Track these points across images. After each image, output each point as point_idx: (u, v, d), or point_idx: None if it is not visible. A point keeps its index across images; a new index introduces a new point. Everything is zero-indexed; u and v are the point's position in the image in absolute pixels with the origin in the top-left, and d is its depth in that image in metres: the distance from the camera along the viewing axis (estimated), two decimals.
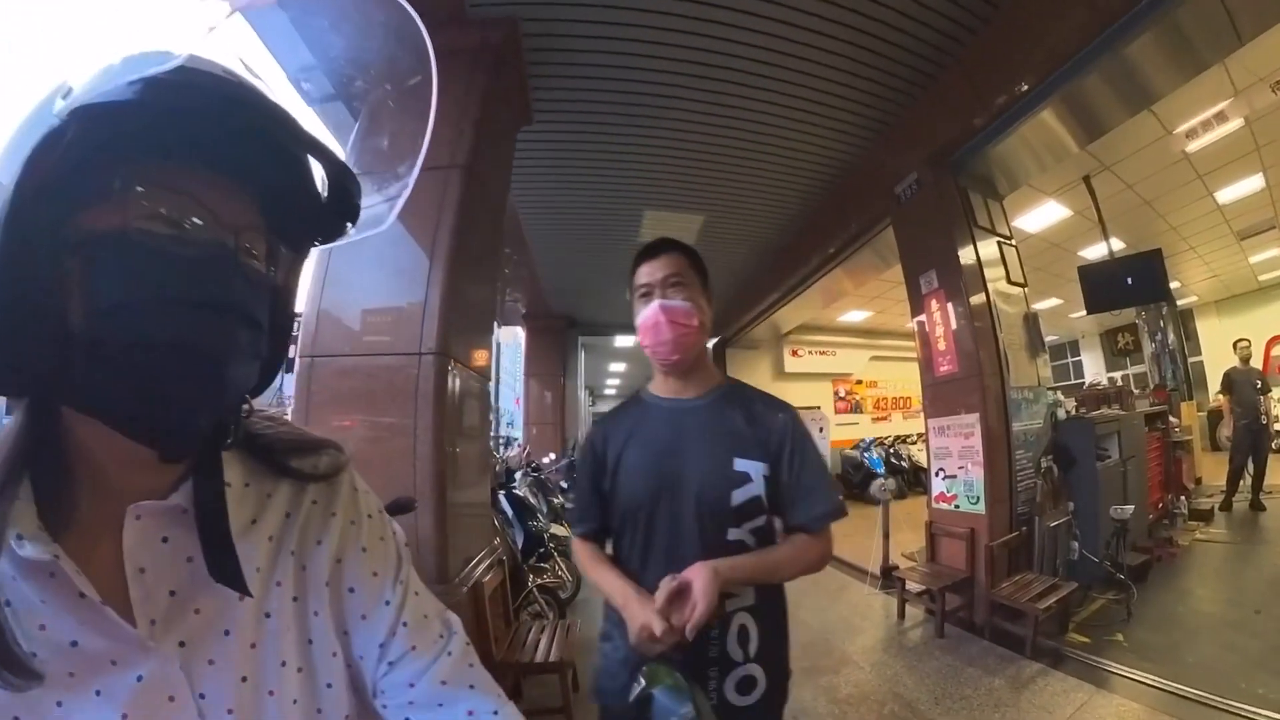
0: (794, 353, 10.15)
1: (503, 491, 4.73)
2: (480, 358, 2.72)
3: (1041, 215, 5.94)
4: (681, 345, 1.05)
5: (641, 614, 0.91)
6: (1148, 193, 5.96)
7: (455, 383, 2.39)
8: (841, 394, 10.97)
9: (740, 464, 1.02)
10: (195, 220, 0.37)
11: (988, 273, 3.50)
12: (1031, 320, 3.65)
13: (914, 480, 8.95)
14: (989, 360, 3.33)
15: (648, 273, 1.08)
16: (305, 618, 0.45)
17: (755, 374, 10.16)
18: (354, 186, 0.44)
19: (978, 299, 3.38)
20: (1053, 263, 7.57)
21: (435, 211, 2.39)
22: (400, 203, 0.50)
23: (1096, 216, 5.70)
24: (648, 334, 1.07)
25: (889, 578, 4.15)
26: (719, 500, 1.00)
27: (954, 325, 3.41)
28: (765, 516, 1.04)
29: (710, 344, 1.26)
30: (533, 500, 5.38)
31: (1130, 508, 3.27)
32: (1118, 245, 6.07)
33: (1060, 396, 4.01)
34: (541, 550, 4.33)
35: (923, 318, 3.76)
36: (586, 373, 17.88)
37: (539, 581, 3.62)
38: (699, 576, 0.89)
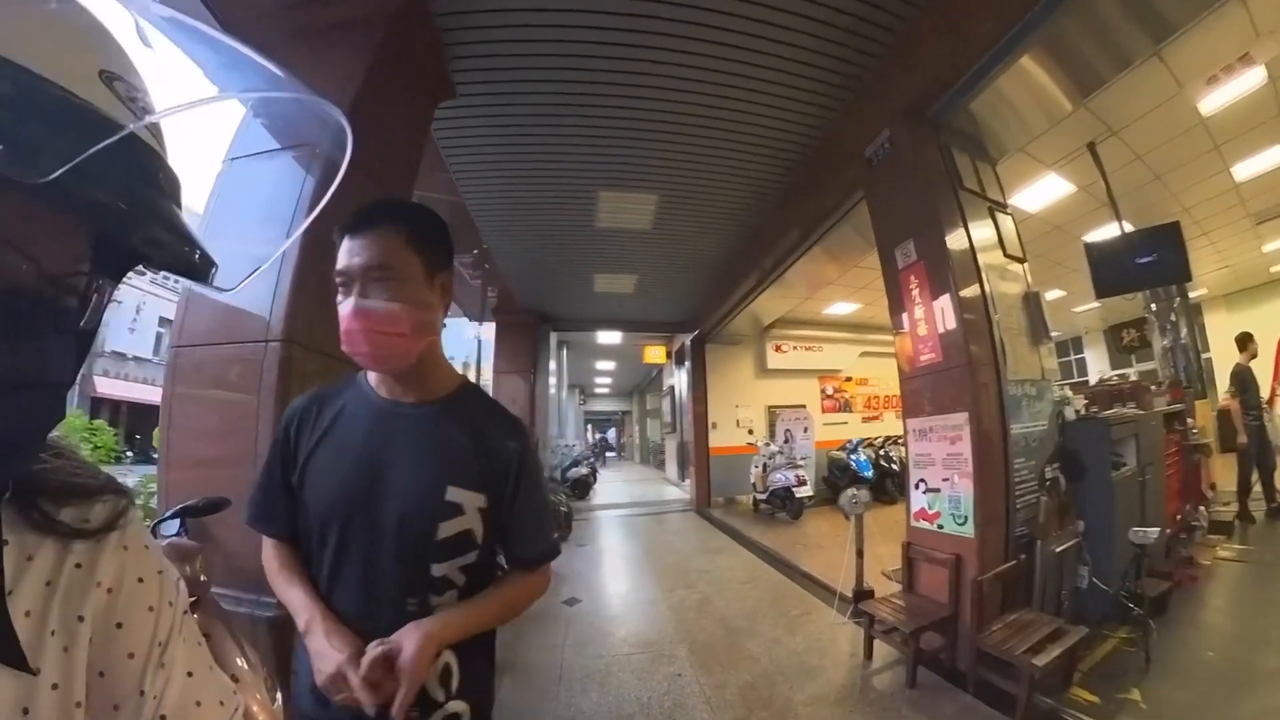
0: (777, 348, 9.55)
1: None
2: None
3: (1041, 191, 5.35)
4: (387, 356, 0.89)
5: (331, 658, 0.79)
6: (1159, 165, 5.42)
7: (312, 374, 2.16)
8: (829, 392, 10.37)
9: (453, 494, 0.89)
10: (22, 269, 0.32)
11: (979, 244, 2.89)
12: (1033, 300, 3.03)
13: (905, 484, 8.37)
14: (981, 348, 2.71)
15: (346, 255, 0.89)
16: (68, 710, 0.38)
17: (736, 371, 9.59)
18: (208, 266, 0.40)
19: (966, 273, 2.76)
20: (1054, 248, 7.00)
21: (295, 192, 2.20)
22: (249, 279, 0.49)
23: (1104, 189, 5.10)
24: (343, 339, 0.88)
25: (861, 601, 3.56)
26: (422, 532, 0.88)
27: (936, 305, 2.79)
28: (478, 552, 0.92)
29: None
30: None
31: (1154, 531, 2.67)
32: (1126, 228, 5.49)
33: (1069, 392, 3.41)
34: None
35: (903, 314, 3.14)
36: (573, 371, 17.60)
37: None
38: (409, 648, 0.79)
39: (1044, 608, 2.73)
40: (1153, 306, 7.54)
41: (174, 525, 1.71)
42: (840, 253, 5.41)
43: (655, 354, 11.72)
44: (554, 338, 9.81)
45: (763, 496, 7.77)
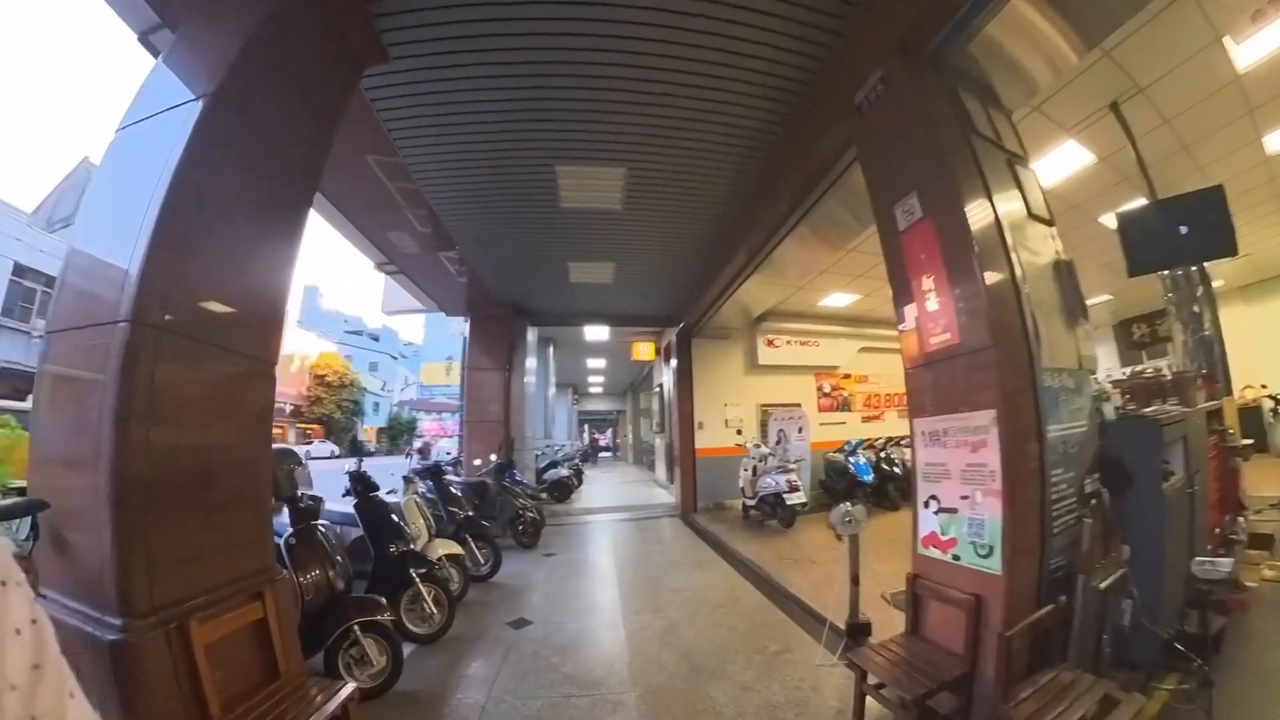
0: (769, 343, 8.95)
1: (354, 500, 3.91)
2: (258, 342, 2.25)
3: (1058, 162, 4.79)
4: None
5: None
6: (1188, 132, 4.94)
7: (175, 362, 1.91)
8: (826, 389, 9.78)
9: None
10: None
11: (999, 201, 2.30)
12: (1066, 270, 2.44)
13: (909, 489, 7.80)
14: (1009, 326, 2.10)
15: None
16: None
17: (725, 367, 9.01)
18: None
19: (985, 231, 2.16)
20: (1068, 231, 6.37)
21: (163, 155, 1.96)
22: None
23: (1125, 161, 4.58)
24: None
25: (856, 637, 2.98)
26: None
27: (949, 271, 2.19)
28: None
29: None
30: (416, 512, 4.32)
31: (1227, 562, 2.08)
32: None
33: (1108, 385, 2.82)
34: (404, 577, 3.56)
35: (907, 287, 2.53)
36: (565, 370, 17.02)
37: (367, 618, 2.86)
38: None
39: (1081, 660, 2.14)
40: (1171, 297, 6.99)
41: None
42: (830, 233, 4.83)
43: (644, 350, 11.18)
44: (533, 333, 9.21)
45: (752, 502, 7.19)
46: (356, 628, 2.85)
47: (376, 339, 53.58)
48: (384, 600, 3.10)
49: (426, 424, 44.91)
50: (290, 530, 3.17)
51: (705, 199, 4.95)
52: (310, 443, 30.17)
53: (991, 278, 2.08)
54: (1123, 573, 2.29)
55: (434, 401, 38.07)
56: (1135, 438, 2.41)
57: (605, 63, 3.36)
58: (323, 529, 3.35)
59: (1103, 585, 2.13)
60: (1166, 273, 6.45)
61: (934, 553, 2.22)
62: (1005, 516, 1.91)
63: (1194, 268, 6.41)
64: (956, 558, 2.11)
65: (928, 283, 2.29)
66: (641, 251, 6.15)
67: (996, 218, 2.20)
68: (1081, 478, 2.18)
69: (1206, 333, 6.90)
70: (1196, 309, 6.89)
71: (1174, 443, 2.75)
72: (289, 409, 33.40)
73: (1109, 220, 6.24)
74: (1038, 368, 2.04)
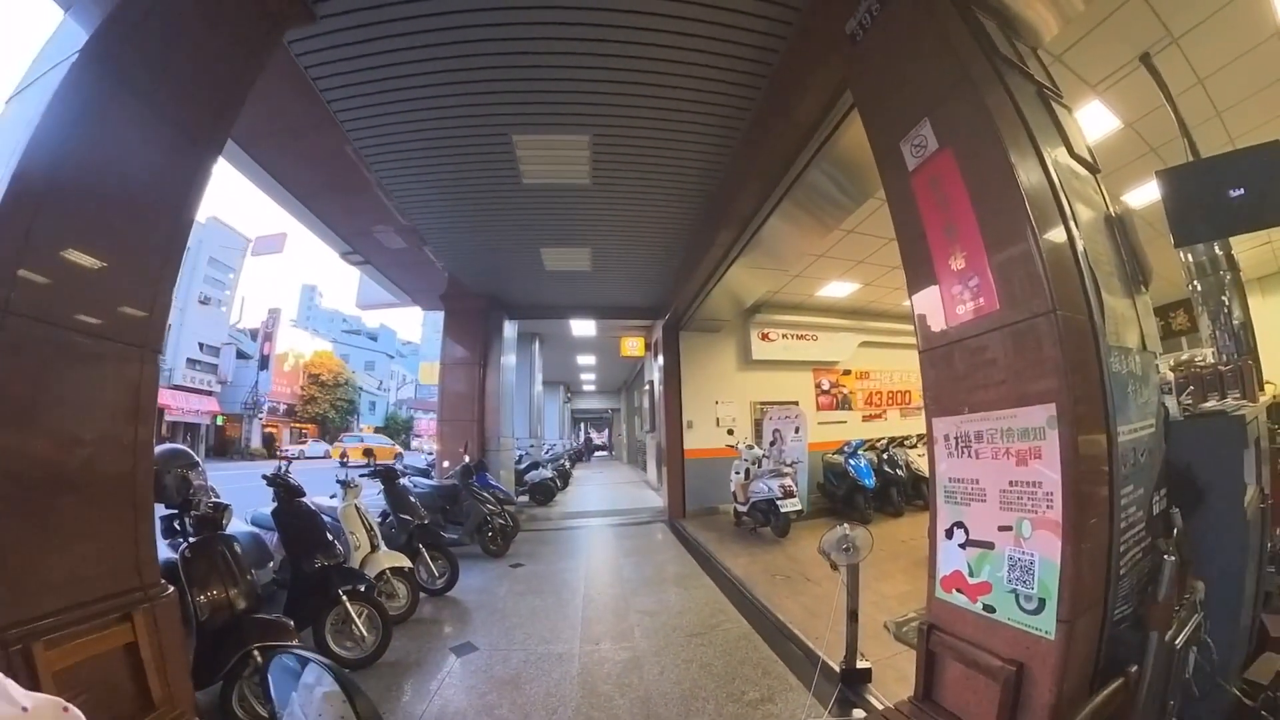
0: (764, 336, 8.41)
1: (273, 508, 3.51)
2: (135, 326, 1.97)
3: (1083, 128, 4.24)
4: None
5: None
6: (1222, 96, 4.52)
7: (16, 349, 1.62)
8: (825, 387, 9.24)
9: None
10: None
11: (1035, 130, 1.75)
12: (1121, 226, 1.90)
13: (914, 492, 7.28)
14: (1068, 286, 1.53)
15: None
16: None
17: (716, 362, 8.47)
18: None
19: (1024, 154, 1.60)
20: None
21: (27, 120, 1.71)
22: None
23: (1151, 129, 4.10)
24: None
25: (853, 685, 2.45)
26: None
27: (983, 212, 1.62)
28: None
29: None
30: (357, 520, 3.82)
31: None
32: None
33: (1169, 372, 2.30)
34: (329, 595, 3.11)
35: (922, 242, 1.94)
36: (554, 367, 16.49)
37: (269, 643, 2.42)
38: None
39: None
40: (1196, 285, 6.46)
41: None
42: (818, 209, 4.29)
43: (633, 346, 10.65)
44: (511, 327, 8.67)
45: (743, 509, 6.65)
46: (257, 654, 2.40)
47: (375, 338, 53.23)
48: (291, 623, 2.64)
49: (424, 423, 44.47)
50: (185, 543, 2.72)
51: (682, 170, 4.41)
52: (305, 442, 29.75)
53: (1039, 217, 1.51)
54: (1198, 620, 1.75)
55: (431, 401, 37.60)
56: (1211, 440, 1.87)
57: (561, 6, 2.85)
58: (234, 540, 2.88)
59: (1179, 641, 1.58)
60: (1190, 259, 5.94)
61: (959, 600, 1.66)
62: (1066, 557, 1.36)
63: (1221, 253, 5.89)
64: (990, 609, 1.56)
65: (950, 232, 1.73)
66: (618, 233, 5.61)
67: (1036, 145, 1.65)
68: (1150, 495, 1.63)
69: (1237, 322, 6.37)
70: (1225, 297, 6.36)
71: (1246, 447, 2.22)
72: (283, 408, 33.00)
73: (1131, 198, 5.72)
74: (1104, 346, 1.50)
